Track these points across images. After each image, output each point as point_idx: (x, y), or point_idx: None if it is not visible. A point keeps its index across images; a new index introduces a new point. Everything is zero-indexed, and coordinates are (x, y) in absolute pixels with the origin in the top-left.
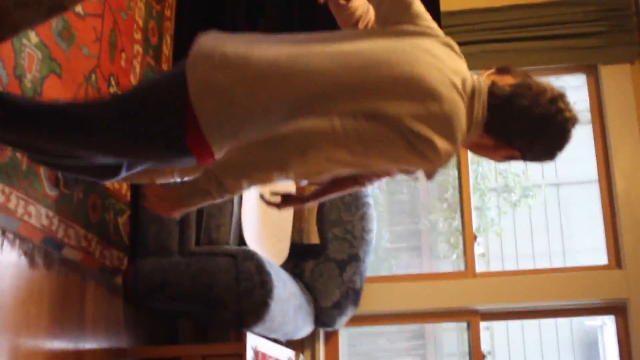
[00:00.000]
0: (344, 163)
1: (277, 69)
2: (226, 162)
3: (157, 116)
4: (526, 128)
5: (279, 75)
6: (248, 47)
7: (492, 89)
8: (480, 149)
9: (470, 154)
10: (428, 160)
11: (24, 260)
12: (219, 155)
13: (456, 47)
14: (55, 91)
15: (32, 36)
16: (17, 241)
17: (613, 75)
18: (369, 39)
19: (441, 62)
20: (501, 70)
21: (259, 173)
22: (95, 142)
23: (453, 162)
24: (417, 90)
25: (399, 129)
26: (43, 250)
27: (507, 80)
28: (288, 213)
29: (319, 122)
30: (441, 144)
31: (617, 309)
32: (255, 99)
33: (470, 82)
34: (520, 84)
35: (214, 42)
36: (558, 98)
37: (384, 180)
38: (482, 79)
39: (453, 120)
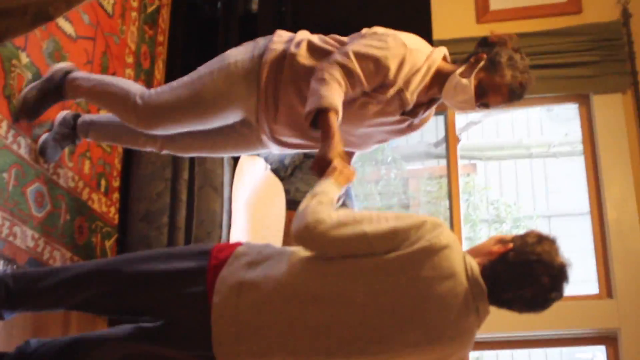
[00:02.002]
0: None
1: (304, 326)
2: None
3: None
4: (521, 302)
5: (305, 332)
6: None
7: (489, 293)
8: None
9: (461, 185)
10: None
11: None
12: None
13: (442, 238)
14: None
15: (23, 57)
16: (2, 262)
17: (605, 105)
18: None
19: (446, 307)
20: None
21: None
22: None
23: (444, 192)
24: None
25: None
26: None
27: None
28: (279, 224)
29: None
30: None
31: (608, 339)
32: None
33: (471, 297)
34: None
35: (232, 306)
36: (552, 280)
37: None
38: (480, 282)
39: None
